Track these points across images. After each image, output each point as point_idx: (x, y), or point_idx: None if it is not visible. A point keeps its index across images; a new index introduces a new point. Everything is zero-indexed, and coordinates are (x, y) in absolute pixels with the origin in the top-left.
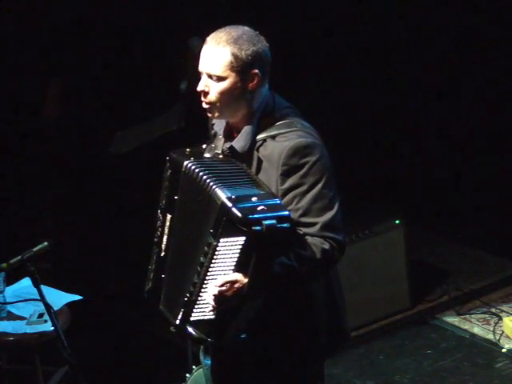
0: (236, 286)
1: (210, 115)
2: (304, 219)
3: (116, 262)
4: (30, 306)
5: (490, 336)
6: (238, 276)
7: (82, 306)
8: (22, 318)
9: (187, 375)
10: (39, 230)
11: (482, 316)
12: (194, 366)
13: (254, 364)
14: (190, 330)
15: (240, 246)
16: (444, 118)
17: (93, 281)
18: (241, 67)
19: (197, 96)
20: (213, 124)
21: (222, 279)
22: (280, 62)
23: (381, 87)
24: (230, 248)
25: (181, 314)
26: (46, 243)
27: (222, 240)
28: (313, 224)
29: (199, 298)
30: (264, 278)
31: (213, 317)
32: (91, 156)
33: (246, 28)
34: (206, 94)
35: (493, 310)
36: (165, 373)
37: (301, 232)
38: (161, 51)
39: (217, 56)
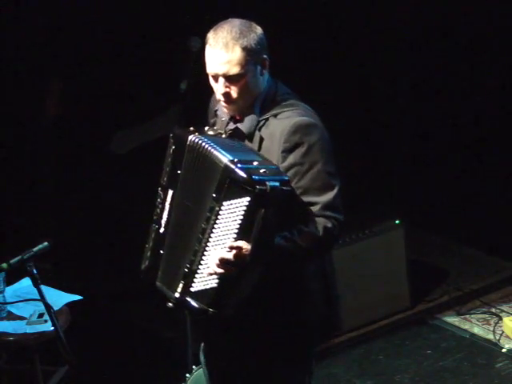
0: (241, 251)
1: (227, 111)
2: (304, 198)
3: (116, 261)
4: (29, 306)
5: (490, 336)
6: (243, 242)
7: (82, 305)
8: (22, 318)
9: (187, 375)
10: (39, 230)
11: (482, 316)
12: (194, 366)
13: (244, 347)
14: (191, 301)
15: (244, 208)
16: (444, 118)
17: (93, 281)
18: (254, 58)
19: (195, 96)
20: (216, 110)
21: (228, 244)
22: (278, 62)
23: (381, 87)
24: (233, 211)
25: (180, 285)
26: (46, 243)
27: (225, 203)
28: (313, 203)
29: (200, 267)
30: (266, 243)
31: (215, 285)
32: (91, 156)
33: (238, 20)
34: (228, 95)
35: (493, 310)
36: (165, 373)
37: (304, 209)
38: (161, 51)
39: (231, 57)
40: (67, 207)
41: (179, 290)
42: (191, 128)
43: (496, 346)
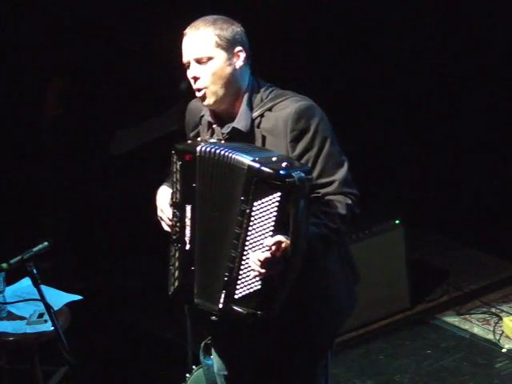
0: (283, 246)
1: (204, 103)
2: (321, 180)
3: (116, 261)
4: (30, 306)
5: (490, 336)
6: (281, 237)
7: (81, 305)
8: (22, 318)
9: (187, 375)
10: (39, 230)
11: (482, 316)
12: (193, 366)
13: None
14: (237, 308)
15: (276, 204)
16: (444, 118)
17: (93, 281)
18: (226, 45)
19: (195, 96)
20: (202, 116)
21: (267, 242)
22: (278, 61)
23: (381, 87)
24: (265, 209)
25: (223, 295)
26: (46, 243)
27: (255, 204)
28: (330, 183)
29: (241, 272)
30: (304, 233)
31: (259, 287)
32: (91, 156)
33: (218, 15)
34: (197, 79)
35: (493, 310)
36: (165, 373)
37: (322, 192)
38: (160, 51)
39: (201, 39)
40: (67, 207)
41: (222, 300)
42: (189, 141)
43: (496, 345)
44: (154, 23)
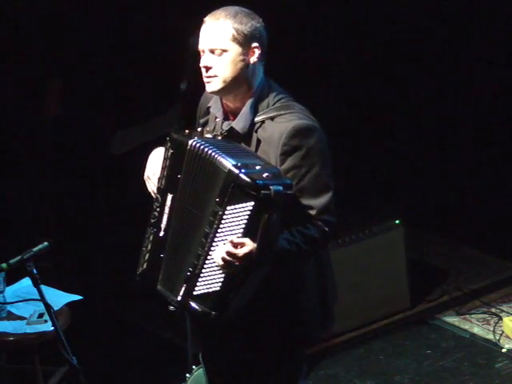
0: (246, 247)
1: (209, 89)
2: (302, 200)
3: (116, 262)
4: (30, 306)
5: (490, 336)
6: (248, 240)
7: (81, 305)
8: (22, 318)
9: (187, 375)
10: (39, 230)
11: (482, 316)
12: (194, 366)
13: (240, 345)
14: (193, 304)
15: (248, 212)
16: (444, 118)
17: (93, 281)
18: (242, 40)
19: (195, 96)
20: (208, 107)
21: (232, 240)
22: (280, 60)
23: (381, 86)
24: (237, 215)
25: (183, 289)
26: (46, 243)
27: (228, 208)
28: (311, 206)
29: (203, 271)
30: (271, 245)
31: (218, 288)
32: (91, 156)
33: (241, 7)
34: (208, 68)
35: (493, 309)
36: (165, 373)
37: (303, 211)
38: (160, 51)
39: (219, 30)
40: (67, 207)
41: (181, 293)
42: (187, 131)
43: (496, 345)
44: (154, 23)
